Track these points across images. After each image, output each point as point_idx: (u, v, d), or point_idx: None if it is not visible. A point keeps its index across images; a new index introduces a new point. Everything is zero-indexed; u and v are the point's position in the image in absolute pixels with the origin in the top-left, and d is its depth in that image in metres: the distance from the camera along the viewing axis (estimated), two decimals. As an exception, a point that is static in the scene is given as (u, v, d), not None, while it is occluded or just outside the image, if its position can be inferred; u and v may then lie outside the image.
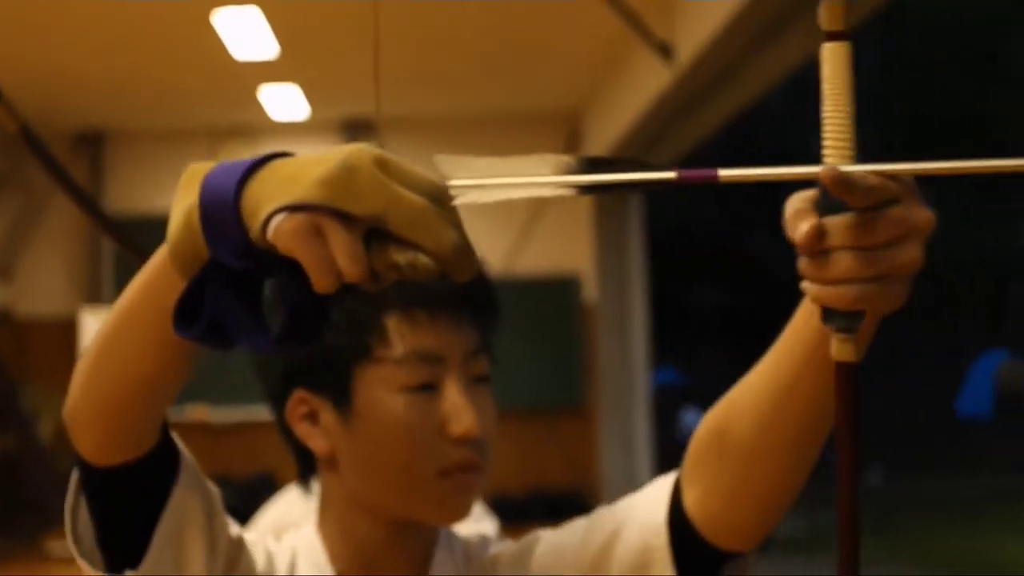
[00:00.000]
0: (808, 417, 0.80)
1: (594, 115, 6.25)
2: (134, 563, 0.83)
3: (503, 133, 6.49)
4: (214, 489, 0.89)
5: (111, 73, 5.31)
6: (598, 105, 6.08)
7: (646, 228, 6.63)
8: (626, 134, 5.54)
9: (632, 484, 6.27)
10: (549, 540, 0.96)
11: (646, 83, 4.81)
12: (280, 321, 0.63)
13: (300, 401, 0.94)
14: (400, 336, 0.92)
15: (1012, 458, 10.66)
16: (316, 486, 1.01)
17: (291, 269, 0.60)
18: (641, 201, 6.48)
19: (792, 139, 16.65)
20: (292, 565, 0.96)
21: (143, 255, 0.71)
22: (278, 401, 0.96)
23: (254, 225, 0.60)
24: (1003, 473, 10.69)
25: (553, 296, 6.37)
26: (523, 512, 4.98)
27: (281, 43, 4.82)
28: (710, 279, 15.71)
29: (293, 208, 0.59)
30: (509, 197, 0.64)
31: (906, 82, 15.73)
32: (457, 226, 0.60)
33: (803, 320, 0.78)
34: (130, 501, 0.83)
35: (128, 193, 6.21)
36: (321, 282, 0.59)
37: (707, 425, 0.87)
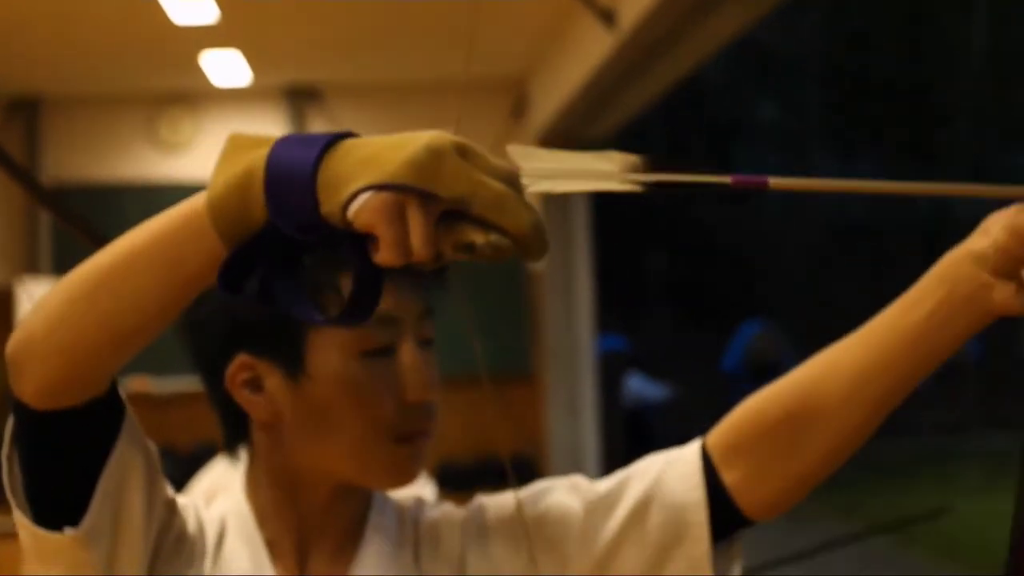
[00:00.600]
0: (887, 405, 0.86)
1: (539, 81, 6.24)
2: (72, 519, 0.81)
3: (448, 99, 6.45)
4: (153, 448, 0.88)
5: (46, 37, 5.19)
6: (543, 71, 6.07)
7: (592, 195, 6.65)
8: (570, 100, 5.55)
9: (578, 450, 6.30)
10: (549, 505, 0.95)
11: (589, 50, 4.81)
12: (341, 297, 0.67)
13: (242, 366, 0.92)
14: None
15: (942, 421, 11.10)
16: (243, 454, 0.99)
17: (355, 243, 0.63)
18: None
19: (734, 108, 16.78)
20: (221, 533, 0.95)
21: (80, 224, 0.71)
22: (215, 366, 0.93)
23: (333, 199, 0.62)
24: (935, 435, 11.05)
25: (489, 262, 6.37)
26: (470, 479, 5.00)
27: (222, 7, 4.73)
28: (656, 246, 15.81)
29: (381, 187, 0.61)
30: (578, 189, 0.68)
31: (845, 48, 15.89)
32: (533, 208, 0.64)
33: (901, 315, 0.84)
34: (70, 451, 0.81)
35: (65, 160, 6.09)
36: (392, 259, 0.62)
37: (761, 410, 0.90)
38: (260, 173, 0.65)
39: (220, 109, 6.30)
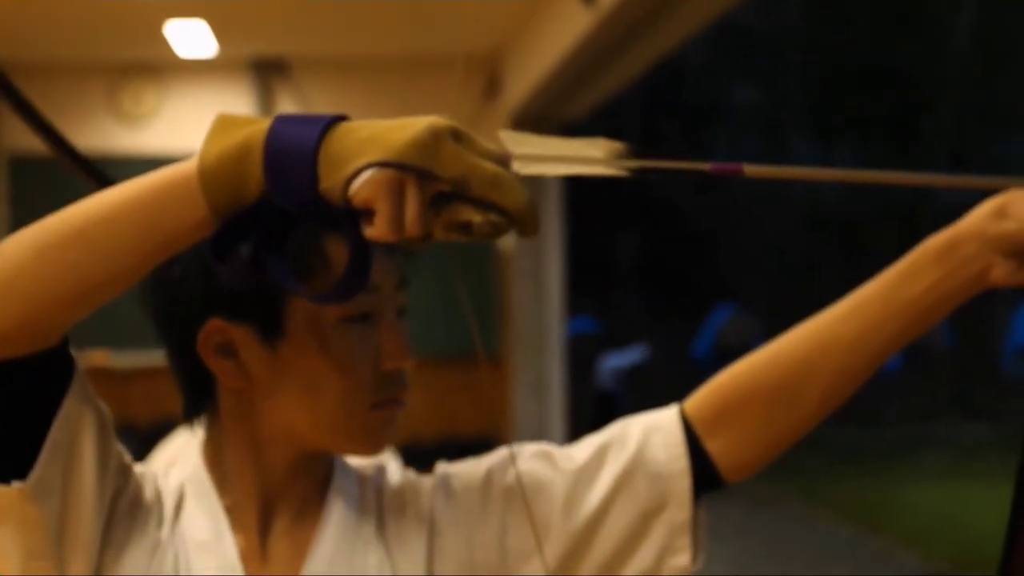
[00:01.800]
0: (873, 371, 0.92)
1: (513, 59, 6.16)
2: (20, 473, 0.81)
3: (420, 75, 6.36)
4: (107, 410, 0.87)
5: (6, 3, 5.06)
6: (517, 49, 5.99)
7: (566, 179, 6.59)
8: (545, 79, 5.47)
9: (544, 432, 6.27)
10: (535, 472, 0.96)
11: (566, 27, 4.73)
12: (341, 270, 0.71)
13: (215, 330, 0.90)
14: (343, 260, 0.86)
15: (912, 409, 11.20)
16: (203, 423, 0.98)
17: (349, 219, 0.67)
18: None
19: (713, 90, 16.74)
20: (179, 501, 0.94)
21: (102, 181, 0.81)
22: (186, 330, 0.91)
23: (336, 175, 0.66)
24: (905, 423, 11.10)
25: (467, 242, 6.32)
26: (435, 458, 4.95)
27: (186, -25, 4.63)
28: (628, 228, 15.79)
29: (385, 164, 0.65)
30: (566, 172, 0.74)
31: (827, 32, 15.86)
32: (525, 188, 0.68)
33: (897, 288, 0.89)
34: (19, 402, 0.81)
35: (24, 130, 5.96)
36: (386, 235, 0.66)
37: (753, 379, 0.93)
38: (259, 147, 0.68)
39: (184, 81, 6.19)
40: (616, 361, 9.38)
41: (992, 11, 14.35)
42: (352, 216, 0.67)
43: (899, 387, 10.88)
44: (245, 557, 0.93)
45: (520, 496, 0.94)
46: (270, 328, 0.89)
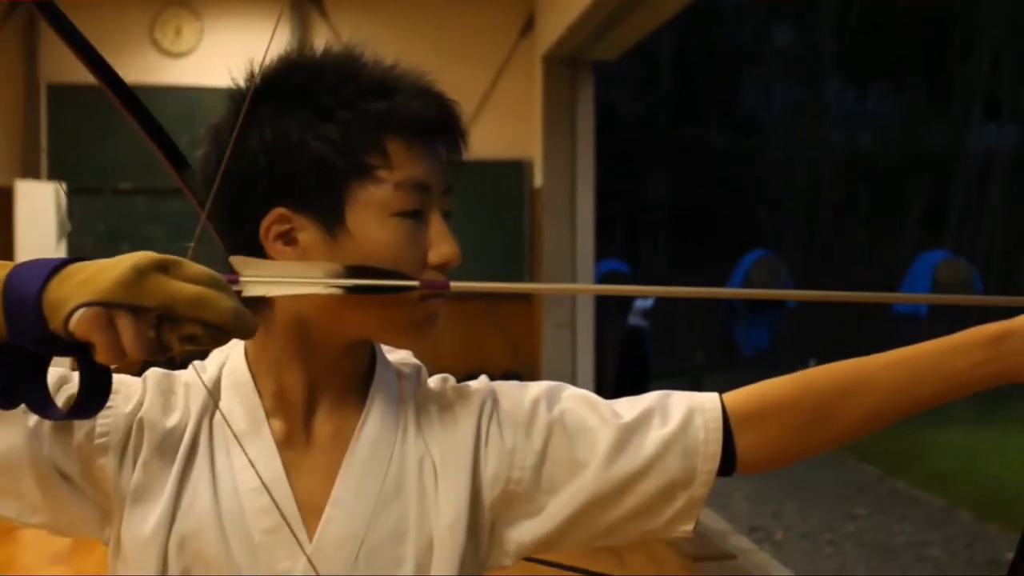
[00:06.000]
0: (895, 420, 1.02)
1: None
2: None
3: (454, 12, 6.37)
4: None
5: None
6: (551, -13, 5.97)
7: (598, 121, 6.60)
8: (578, 19, 5.47)
9: (572, 370, 6.33)
10: (566, 412, 1.02)
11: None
12: (75, 394, 0.81)
13: (279, 218, 0.94)
14: (401, 161, 0.94)
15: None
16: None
17: (82, 351, 0.77)
18: (591, 96, 6.43)
19: (748, 33, 16.54)
20: (215, 395, 0.99)
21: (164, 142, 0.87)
22: (250, 218, 0.95)
23: (57, 318, 0.75)
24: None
25: (501, 179, 6.35)
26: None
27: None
28: (658, 175, 15.73)
29: (93, 304, 0.74)
30: (289, 292, 0.87)
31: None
32: (233, 298, 0.77)
33: (943, 357, 1.00)
34: None
35: (63, 63, 6.03)
36: (109, 360, 0.76)
37: (794, 396, 1.02)
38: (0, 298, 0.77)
39: (222, 16, 6.22)
40: (646, 301, 9.43)
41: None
42: (83, 347, 0.76)
43: (928, 331, 10.87)
44: (287, 442, 0.98)
45: (563, 431, 1.00)
46: (331, 218, 0.94)
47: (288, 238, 0.95)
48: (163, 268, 0.76)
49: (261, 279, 0.85)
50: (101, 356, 0.76)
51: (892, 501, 6.83)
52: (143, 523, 0.95)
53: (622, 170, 13.31)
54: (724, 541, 5.33)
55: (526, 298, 6.34)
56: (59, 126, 6.11)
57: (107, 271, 0.75)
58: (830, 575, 5.25)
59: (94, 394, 0.81)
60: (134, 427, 0.96)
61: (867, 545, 5.78)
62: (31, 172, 6.08)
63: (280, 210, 0.94)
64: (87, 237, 6.00)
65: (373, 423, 0.99)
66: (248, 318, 0.77)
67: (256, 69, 0.96)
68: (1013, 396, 8.93)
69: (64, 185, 5.90)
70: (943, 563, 5.47)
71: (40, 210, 5.81)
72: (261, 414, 0.98)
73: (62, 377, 0.94)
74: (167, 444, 0.97)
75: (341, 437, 0.98)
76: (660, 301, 9.30)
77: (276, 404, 0.98)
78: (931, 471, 7.48)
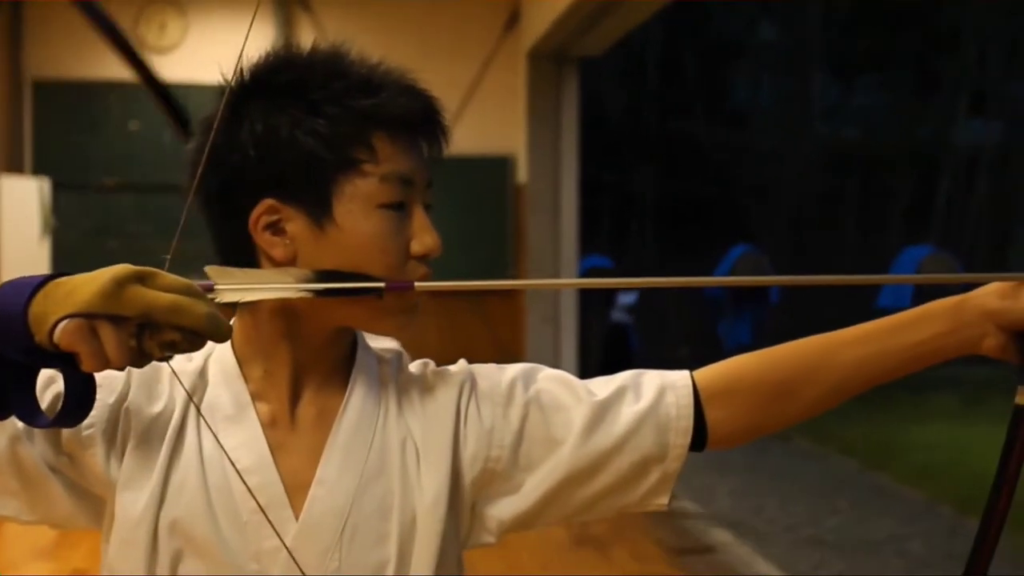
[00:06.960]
0: (859, 392, 1.05)
1: (532, -6, 6.16)
2: None
3: (439, 9, 6.38)
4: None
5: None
6: (536, -16, 5.98)
7: (582, 114, 6.62)
8: (563, 15, 5.48)
9: (557, 363, 6.35)
10: (541, 391, 1.06)
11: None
12: (60, 401, 0.84)
13: (269, 209, 0.98)
14: (386, 156, 0.99)
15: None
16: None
17: (68, 361, 0.80)
18: (576, 92, 6.45)
19: (735, 27, 16.56)
20: (202, 382, 1.03)
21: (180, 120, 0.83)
22: (240, 209, 0.99)
23: (42, 330, 0.78)
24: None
25: (486, 175, 6.37)
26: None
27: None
28: (643, 168, 15.74)
29: (75, 316, 0.78)
30: (261, 297, 0.91)
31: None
32: (208, 304, 0.81)
33: (903, 329, 1.03)
34: None
35: (48, 58, 6.02)
36: (93, 368, 0.79)
37: (761, 371, 1.06)
38: None
39: (207, 11, 6.22)
40: (629, 297, 9.46)
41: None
42: (68, 358, 0.80)
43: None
44: (272, 424, 1.02)
45: (540, 410, 1.04)
46: (319, 209, 0.98)
47: (277, 228, 0.99)
48: (140, 279, 0.79)
49: (234, 287, 0.89)
50: (86, 365, 0.79)
51: (874, 495, 6.88)
52: (132, 507, 0.99)
53: (609, 164, 13.33)
54: (706, 535, 5.37)
55: (510, 293, 6.37)
56: (44, 121, 6.11)
57: (87, 284, 0.79)
58: (811, 569, 5.30)
59: (80, 402, 0.85)
60: (120, 416, 1.00)
61: (849, 539, 5.83)
62: (15, 167, 6.07)
63: (269, 201, 0.98)
64: (72, 233, 6.00)
65: (355, 405, 1.03)
66: (222, 323, 0.81)
67: (240, 64, 1.00)
68: (997, 391, 8.97)
69: (48, 180, 5.90)
70: (923, 557, 5.52)
71: (24, 205, 5.81)
72: (247, 398, 1.02)
73: (50, 378, 0.98)
74: (154, 431, 1.00)
75: (325, 419, 1.03)
76: (644, 296, 9.33)
77: (263, 388, 1.03)
78: (914, 465, 7.53)
